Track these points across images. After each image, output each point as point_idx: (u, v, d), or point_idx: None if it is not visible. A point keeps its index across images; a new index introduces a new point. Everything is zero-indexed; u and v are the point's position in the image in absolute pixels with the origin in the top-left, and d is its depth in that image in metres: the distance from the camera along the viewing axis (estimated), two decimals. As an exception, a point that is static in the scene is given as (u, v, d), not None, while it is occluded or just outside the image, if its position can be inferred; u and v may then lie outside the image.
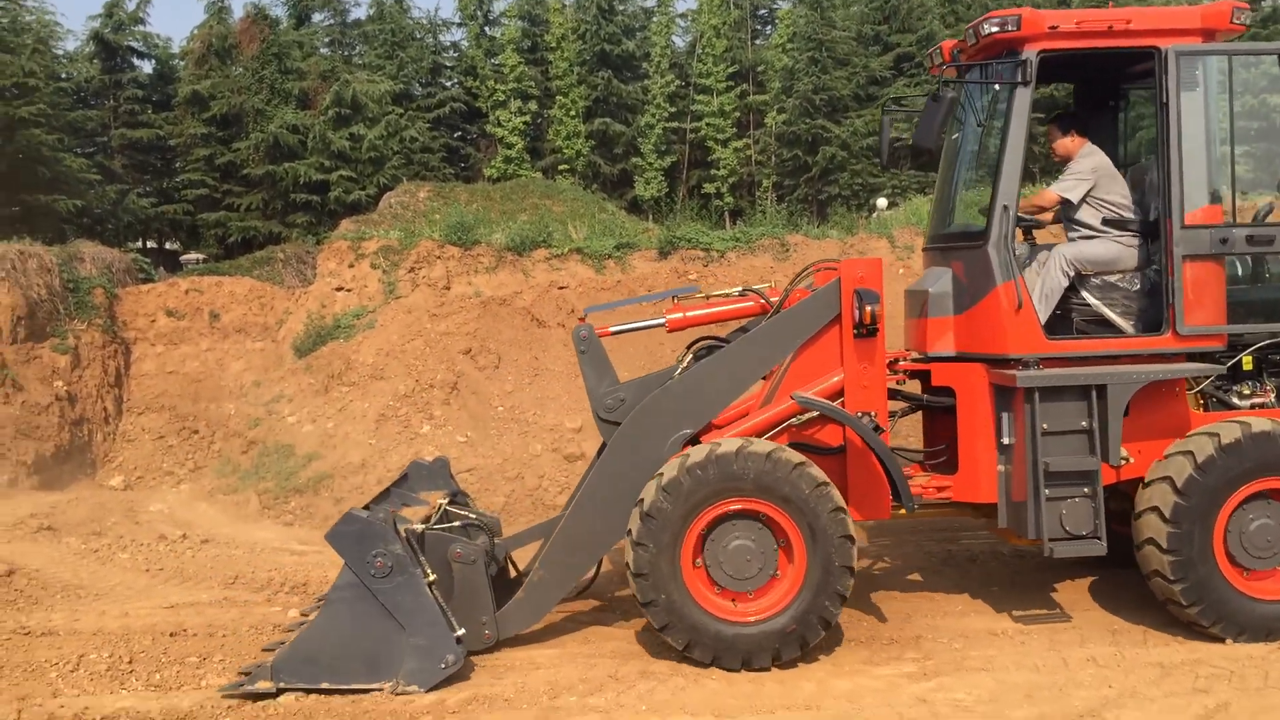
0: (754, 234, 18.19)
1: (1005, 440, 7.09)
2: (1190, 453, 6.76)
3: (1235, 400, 7.34)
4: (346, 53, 35.39)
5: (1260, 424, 6.80)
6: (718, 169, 32.86)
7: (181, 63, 32.54)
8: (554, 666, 6.77)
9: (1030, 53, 7.06)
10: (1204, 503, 6.71)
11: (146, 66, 33.01)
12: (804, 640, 6.61)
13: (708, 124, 33.14)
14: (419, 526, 7.04)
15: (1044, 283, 7.36)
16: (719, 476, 6.53)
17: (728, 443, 6.67)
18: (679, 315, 7.55)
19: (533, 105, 33.46)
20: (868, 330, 7.03)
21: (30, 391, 13.92)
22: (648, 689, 6.30)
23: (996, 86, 7.23)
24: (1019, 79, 7.03)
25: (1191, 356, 7.16)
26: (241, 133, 29.96)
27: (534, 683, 6.44)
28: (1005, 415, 7.07)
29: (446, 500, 7.84)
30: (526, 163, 32.75)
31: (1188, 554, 6.70)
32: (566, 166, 32.88)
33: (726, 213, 31.74)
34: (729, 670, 6.60)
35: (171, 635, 7.47)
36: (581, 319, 7.75)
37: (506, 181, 29.23)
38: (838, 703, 6.15)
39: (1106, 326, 7.27)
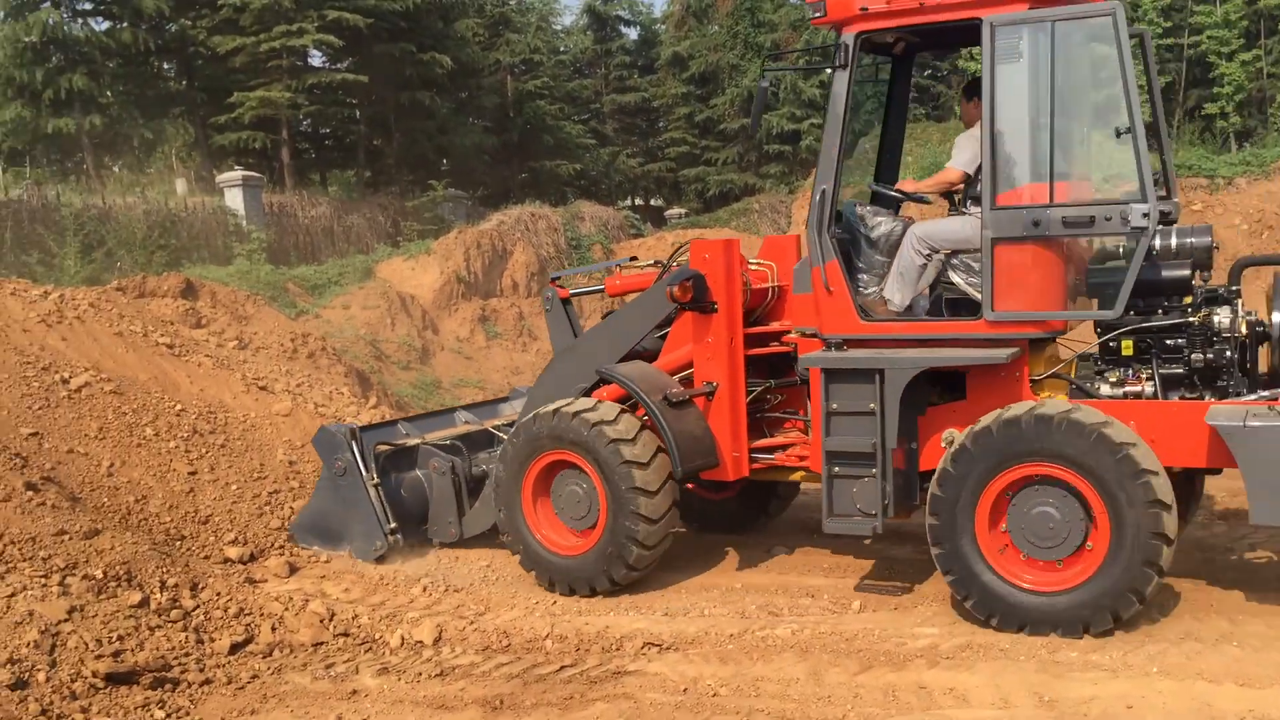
0: (1268, 157, 16.31)
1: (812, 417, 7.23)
2: (972, 429, 6.43)
3: (1104, 388, 6.74)
4: None
5: (1049, 406, 6.32)
6: (1221, 86, 29.60)
7: (663, 26, 34.33)
8: (1051, 619, 6.57)
9: (848, 35, 6.88)
10: (969, 475, 6.39)
11: (632, 34, 35.16)
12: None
13: (1209, 37, 29.92)
14: (414, 440, 8.65)
15: (898, 263, 7.16)
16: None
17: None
18: (617, 282, 8.49)
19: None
20: (699, 307, 7.51)
21: (544, 340, 15.39)
22: (1157, 650, 5.93)
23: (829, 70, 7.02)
24: (838, 62, 6.88)
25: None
26: (718, 89, 31.14)
27: (1031, 636, 6.28)
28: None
29: (495, 423, 9.13)
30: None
31: (947, 521, 6.45)
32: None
33: (1232, 135, 28.59)
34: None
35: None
36: (552, 281, 8.77)
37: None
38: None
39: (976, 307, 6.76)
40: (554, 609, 7.30)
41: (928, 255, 7.08)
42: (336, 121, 30.29)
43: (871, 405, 6.76)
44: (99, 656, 6.05)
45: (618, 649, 6.52)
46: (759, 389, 7.82)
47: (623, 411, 7.53)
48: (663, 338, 8.03)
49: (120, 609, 6.60)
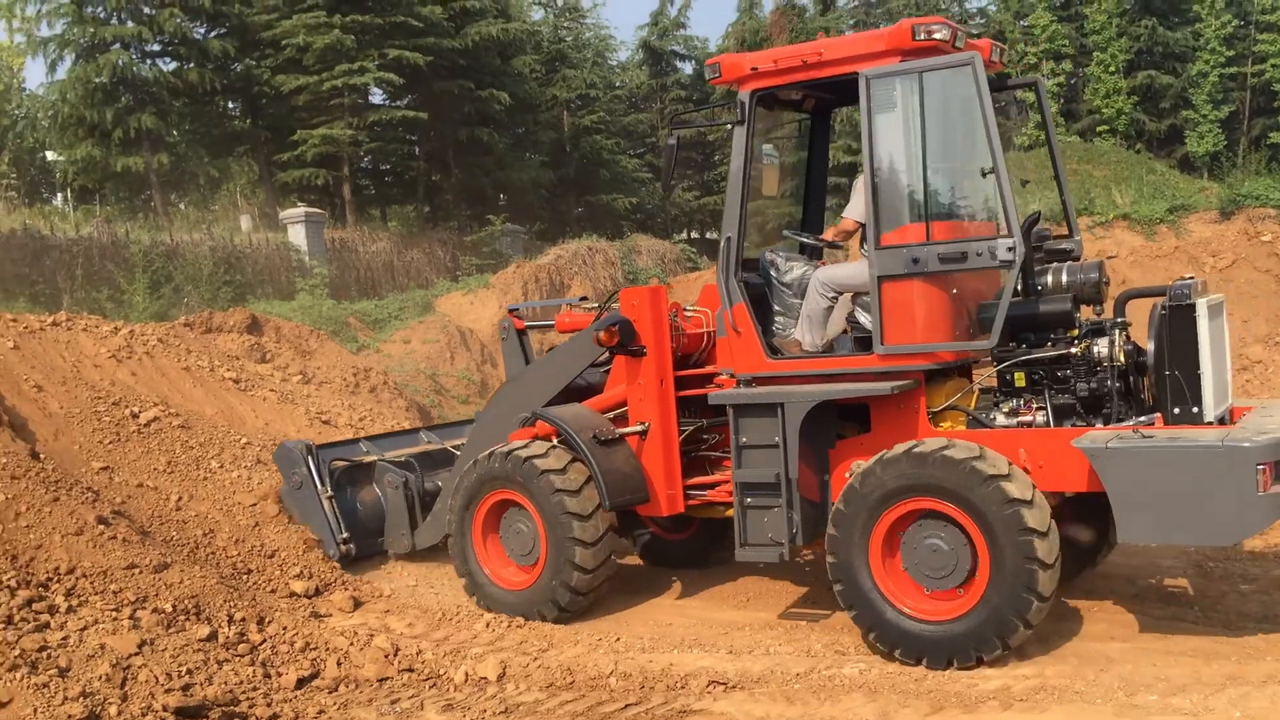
0: (1340, 185, 15.98)
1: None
2: (860, 469, 6.74)
3: (999, 418, 7.01)
4: (871, 33, 35.62)
5: (926, 444, 6.56)
6: (1288, 115, 29.17)
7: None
8: (1128, 662, 6.40)
9: (744, 94, 7.33)
10: (861, 512, 6.65)
11: (687, 68, 35.33)
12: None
13: (1273, 65, 29.48)
14: (373, 457, 9.19)
15: (806, 305, 7.51)
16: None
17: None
18: (566, 320, 8.89)
19: (1067, 65, 31.72)
20: (625, 350, 7.85)
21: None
22: (1239, 694, 5.76)
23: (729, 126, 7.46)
24: (737, 119, 7.33)
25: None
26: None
27: (1107, 678, 6.14)
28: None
29: (454, 444, 9.40)
30: (1061, 126, 31.08)
31: (844, 558, 6.69)
32: (1106, 127, 30.78)
33: (1300, 163, 28.08)
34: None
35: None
36: (510, 312, 9.18)
37: (1040, 148, 27.92)
38: None
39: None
40: (617, 646, 7.25)
41: (832, 297, 7.46)
42: (396, 158, 30.71)
43: (776, 438, 7.09)
44: (169, 690, 6.10)
45: (682, 687, 6.46)
46: (691, 428, 8.07)
47: (553, 447, 7.93)
48: (606, 373, 8.37)
49: (189, 642, 6.66)
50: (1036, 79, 8.03)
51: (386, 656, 7.00)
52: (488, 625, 7.72)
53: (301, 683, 6.63)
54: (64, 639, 6.33)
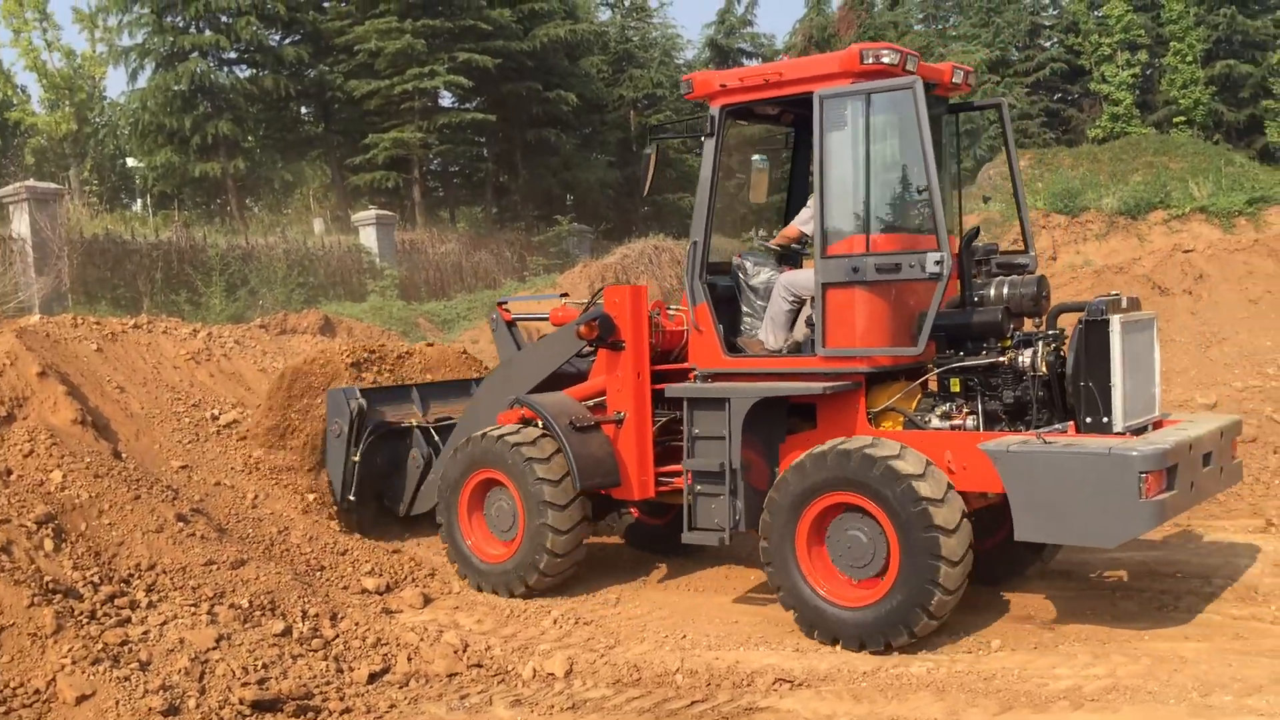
0: None
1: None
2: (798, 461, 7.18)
3: (934, 421, 7.36)
4: (940, 26, 35.22)
5: (852, 441, 7.01)
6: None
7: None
8: (1203, 662, 6.29)
9: (714, 109, 7.80)
10: (789, 502, 7.11)
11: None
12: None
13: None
14: (415, 421, 9.60)
15: (770, 308, 7.93)
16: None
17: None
18: (560, 313, 9.14)
19: (1142, 55, 31.11)
20: (604, 344, 8.26)
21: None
22: (1318, 696, 5.65)
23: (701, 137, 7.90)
24: (706, 132, 7.80)
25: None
26: (841, 118, 30.99)
27: (1181, 678, 6.04)
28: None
29: None
30: (1136, 118, 30.51)
31: (776, 545, 7.16)
32: (1183, 118, 30.16)
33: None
34: None
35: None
36: (499, 305, 9.68)
37: (1114, 141, 27.46)
38: None
39: None
40: (684, 643, 7.28)
41: (793, 300, 7.84)
42: (465, 159, 31.04)
43: (724, 431, 7.55)
44: (245, 684, 6.25)
45: (749, 685, 6.47)
46: (665, 418, 8.42)
47: (542, 435, 8.34)
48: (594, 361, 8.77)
49: (265, 637, 6.81)
50: (1000, 101, 8.49)
51: (456, 652, 7.10)
52: (555, 622, 7.80)
53: (373, 678, 6.74)
54: (145, 633, 6.51)
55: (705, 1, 76.12)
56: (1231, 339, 12.88)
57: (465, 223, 31.58)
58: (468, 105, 30.18)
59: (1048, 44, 34.14)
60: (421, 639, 7.27)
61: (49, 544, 6.94)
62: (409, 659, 6.96)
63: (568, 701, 6.38)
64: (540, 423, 8.46)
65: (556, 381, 8.88)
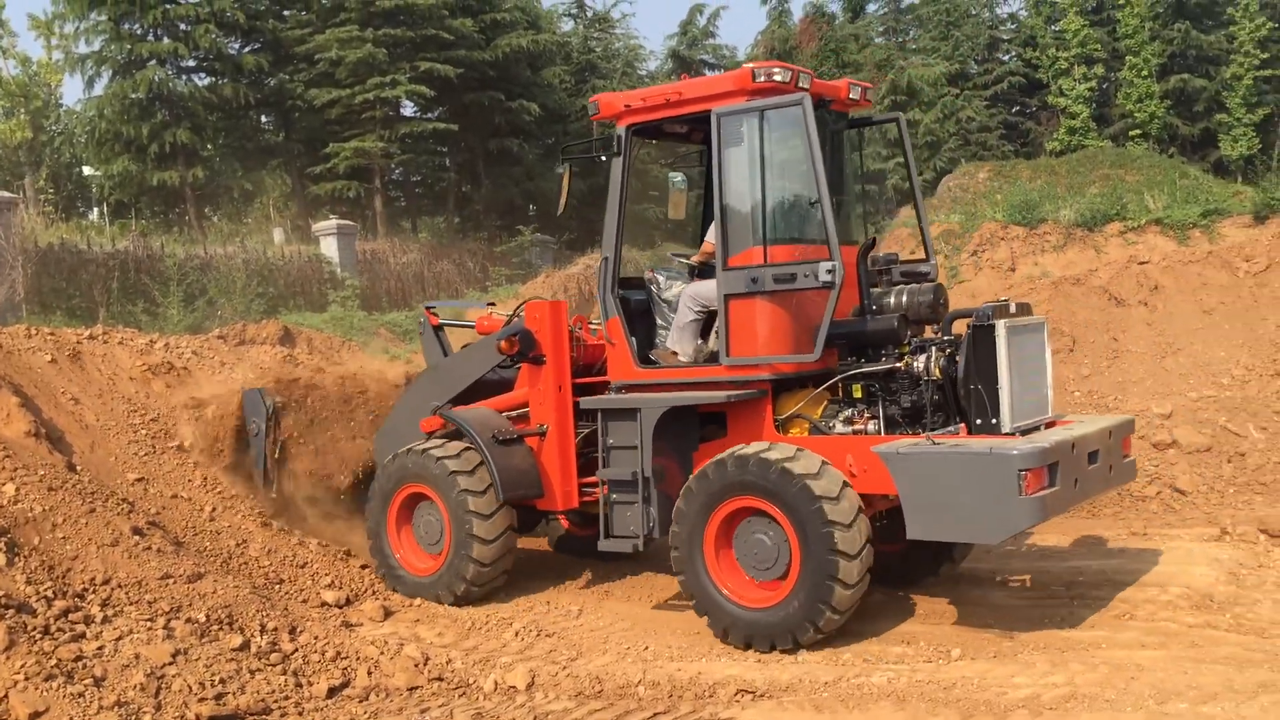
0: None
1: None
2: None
3: (838, 426, 7.58)
4: (900, 39, 35.52)
5: (751, 447, 7.26)
6: (1324, 117, 28.83)
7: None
8: (1159, 669, 6.36)
9: (620, 128, 8.07)
10: (695, 509, 7.36)
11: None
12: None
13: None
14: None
15: (678, 319, 8.17)
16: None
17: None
18: (485, 323, 9.44)
19: (1098, 69, 31.56)
20: (524, 359, 8.51)
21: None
22: (1271, 702, 5.71)
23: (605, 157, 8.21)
24: (613, 151, 8.07)
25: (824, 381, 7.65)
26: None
27: (1138, 686, 6.10)
28: None
29: None
30: (1093, 132, 30.90)
31: (685, 552, 7.40)
32: (1138, 131, 30.58)
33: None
34: None
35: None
36: (426, 309, 9.88)
37: (1071, 154, 27.79)
38: None
39: None
40: (646, 654, 7.27)
41: (699, 311, 8.07)
42: (427, 169, 30.93)
43: (636, 440, 7.79)
44: (202, 699, 6.17)
45: (711, 696, 6.47)
46: (588, 430, 8.54)
47: (466, 449, 8.54)
48: (519, 370, 8.95)
49: (222, 652, 6.73)
50: (897, 116, 8.72)
51: (416, 665, 7.05)
52: (516, 635, 7.77)
53: (333, 692, 6.69)
54: (99, 649, 6.42)
55: (668, 13, 76.40)
56: (1186, 349, 13.04)
57: (427, 232, 31.43)
58: (429, 115, 30.08)
59: (1006, 57, 34.55)
60: (382, 652, 7.22)
61: (1, 558, 6.82)
62: (369, 673, 6.91)
63: (529, 714, 6.36)
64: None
65: (482, 388, 9.06)
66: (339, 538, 9.39)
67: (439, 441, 8.71)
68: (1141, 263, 15.11)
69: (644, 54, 39.59)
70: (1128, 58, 31.21)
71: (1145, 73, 30.82)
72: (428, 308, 10.01)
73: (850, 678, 6.54)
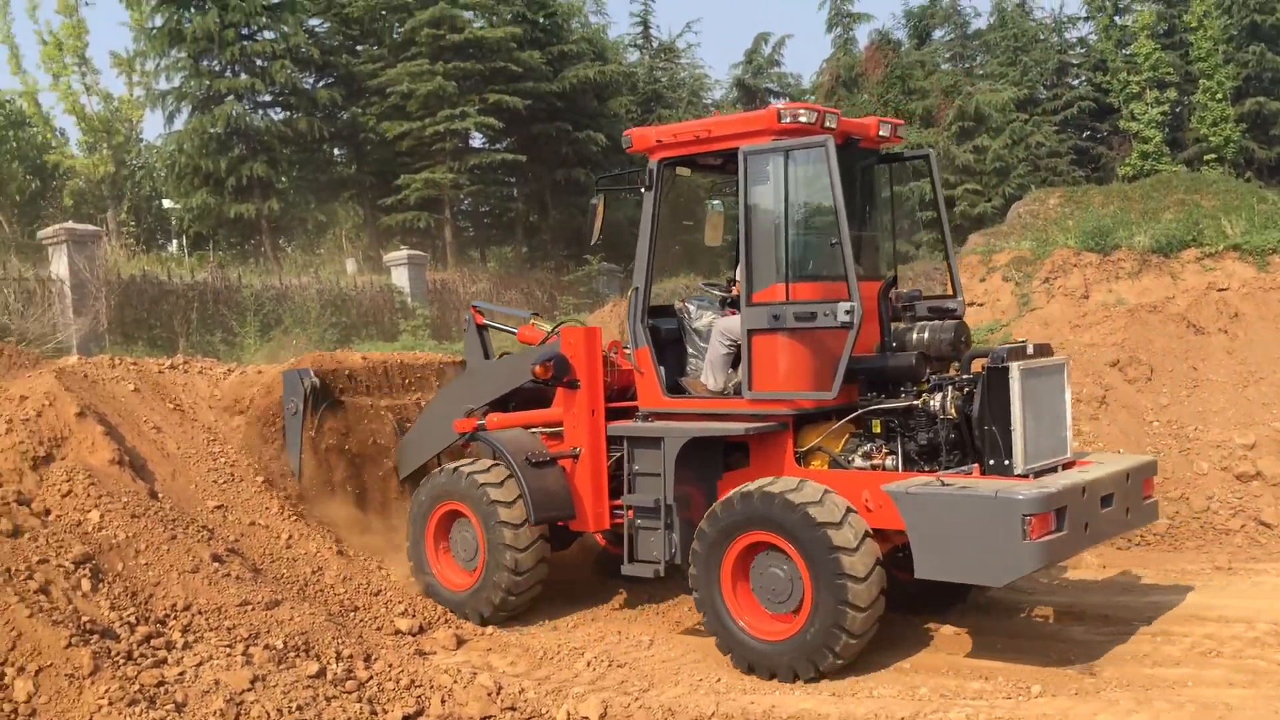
0: None
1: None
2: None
3: (857, 460, 7.70)
4: (967, 65, 35.28)
5: (758, 484, 7.39)
6: None
7: (812, 97, 34.45)
8: (1247, 708, 6.16)
9: (652, 162, 8.33)
10: (714, 539, 7.49)
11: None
12: None
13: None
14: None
15: (710, 351, 8.33)
16: None
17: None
18: (527, 333, 9.78)
19: (1171, 93, 31.03)
20: (558, 383, 8.65)
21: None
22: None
23: (642, 190, 8.40)
24: (645, 185, 8.33)
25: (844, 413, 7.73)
26: (870, 157, 31.06)
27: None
28: None
29: None
30: (1166, 156, 30.38)
31: (701, 573, 7.55)
32: (1213, 155, 30.01)
33: None
34: None
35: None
36: (472, 307, 10.10)
37: (1145, 179, 27.30)
38: None
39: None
40: (718, 686, 7.23)
41: (729, 345, 8.19)
42: (496, 199, 31.26)
43: (660, 468, 7.99)
44: (280, 725, 6.25)
45: (784, 730, 6.41)
46: (620, 453, 8.58)
47: (494, 464, 8.86)
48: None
49: (299, 679, 6.81)
50: (928, 152, 8.85)
51: (489, 695, 7.08)
52: (588, 665, 7.77)
53: (407, 720, 6.74)
54: (180, 674, 6.53)
55: (733, 42, 76.69)
56: (1269, 378, 12.72)
57: (496, 262, 31.75)
58: (498, 146, 30.43)
59: (1075, 82, 34.14)
60: (455, 681, 7.25)
61: (86, 584, 6.98)
62: (442, 701, 6.95)
63: (603, 746, 6.34)
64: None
65: (519, 395, 9.39)
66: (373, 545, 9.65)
67: (471, 460, 9.04)
68: (1220, 289, 14.79)
69: (709, 83, 39.78)
70: (1201, 81, 30.69)
71: (1220, 96, 30.29)
72: (474, 306, 10.25)
73: (927, 713, 6.45)
